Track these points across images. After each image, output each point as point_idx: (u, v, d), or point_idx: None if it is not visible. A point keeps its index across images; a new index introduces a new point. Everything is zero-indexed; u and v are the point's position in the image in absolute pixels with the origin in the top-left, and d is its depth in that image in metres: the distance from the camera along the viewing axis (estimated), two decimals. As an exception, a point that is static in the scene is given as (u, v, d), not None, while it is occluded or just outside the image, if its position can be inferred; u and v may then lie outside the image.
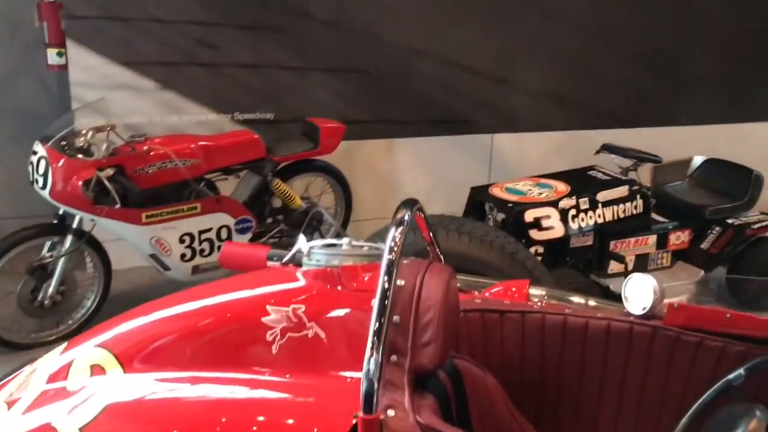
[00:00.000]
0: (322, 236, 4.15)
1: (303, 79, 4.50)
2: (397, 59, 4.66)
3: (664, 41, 5.35)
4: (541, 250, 3.71)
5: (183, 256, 3.53)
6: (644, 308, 1.85)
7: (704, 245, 4.13)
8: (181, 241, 3.50)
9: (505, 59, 4.94)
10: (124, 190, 3.36)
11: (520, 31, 4.91)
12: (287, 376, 1.56)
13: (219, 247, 3.60)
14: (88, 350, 1.69)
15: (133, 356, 1.63)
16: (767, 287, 4.07)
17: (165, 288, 3.94)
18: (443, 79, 4.81)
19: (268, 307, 1.60)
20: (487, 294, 2.12)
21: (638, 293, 1.88)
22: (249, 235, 3.73)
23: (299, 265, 1.72)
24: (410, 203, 1.64)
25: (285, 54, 4.44)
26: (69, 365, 1.64)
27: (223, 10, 4.27)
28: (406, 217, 1.57)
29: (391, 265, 1.44)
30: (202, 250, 3.57)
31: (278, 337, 1.58)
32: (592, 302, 2.18)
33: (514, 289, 2.13)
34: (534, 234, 3.67)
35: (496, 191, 3.87)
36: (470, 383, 1.77)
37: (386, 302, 1.41)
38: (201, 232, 3.54)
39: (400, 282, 1.48)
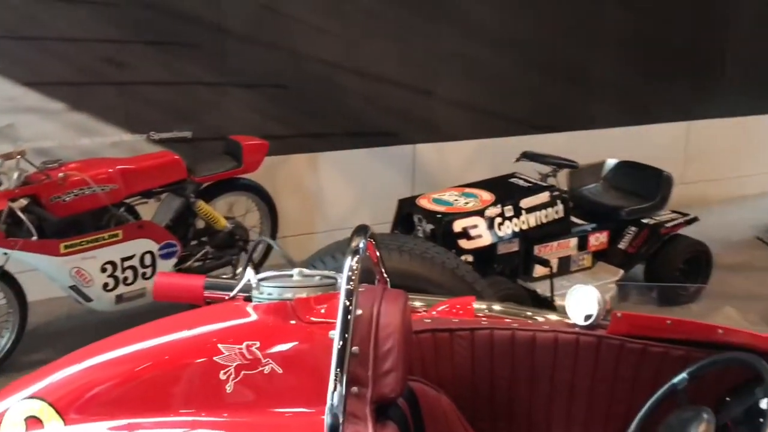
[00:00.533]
0: (250, 257, 4.06)
1: (221, 95, 4.39)
2: (316, 73, 4.63)
3: (570, 51, 5.57)
4: (470, 258, 3.76)
5: (105, 285, 3.37)
6: (589, 319, 1.90)
7: (622, 245, 4.30)
8: (103, 270, 3.35)
9: (423, 71, 5.00)
10: (39, 220, 3.18)
11: (436, 43, 4.98)
12: (245, 414, 1.51)
13: (143, 275, 3.47)
14: (21, 402, 1.58)
15: (73, 405, 1.54)
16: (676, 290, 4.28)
17: (86, 319, 3.78)
18: (363, 91, 4.82)
19: (220, 345, 1.54)
20: (434, 313, 2.13)
21: (582, 304, 1.93)
22: (174, 260, 3.61)
23: (248, 299, 1.66)
24: (363, 230, 1.62)
25: (200, 70, 4.33)
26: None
27: (132, 27, 4.12)
28: (361, 245, 1.55)
29: (350, 295, 1.42)
30: (125, 279, 3.42)
31: (232, 375, 1.53)
32: (538, 314, 2.23)
33: (458, 306, 2.15)
34: (463, 243, 3.72)
35: (423, 202, 3.90)
36: (426, 405, 1.77)
37: (347, 333, 1.38)
38: (124, 260, 3.40)
39: (358, 312, 1.46)
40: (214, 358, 1.53)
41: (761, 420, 1.65)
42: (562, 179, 4.39)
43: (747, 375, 1.77)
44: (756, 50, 6.43)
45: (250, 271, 1.69)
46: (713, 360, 1.72)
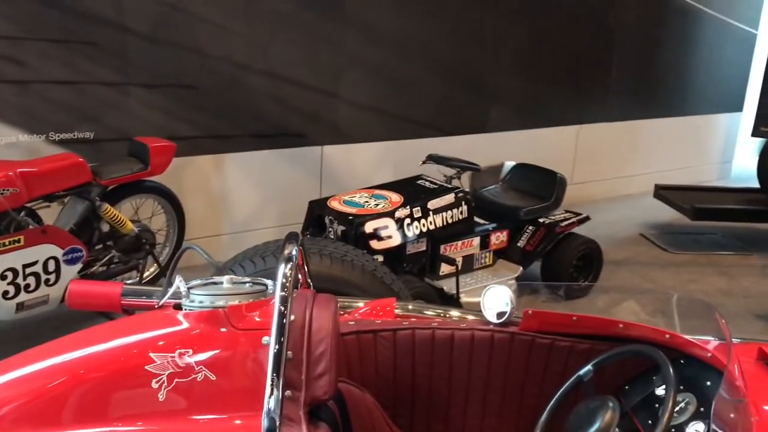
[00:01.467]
0: (156, 260, 4.00)
1: (124, 95, 4.27)
2: (223, 73, 4.58)
3: (470, 58, 5.79)
4: (380, 259, 3.85)
5: (5, 293, 3.22)
6: (502, 316, 2.03)
7: (521, 243, 4.53)
8: (3, 277, 3.19)
9: (329, 73, 5.05)
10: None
11: (342, 47, 5.05)
12: (179, 422, 1.52)
13: (47, 281, 3.33)
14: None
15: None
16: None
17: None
18: (270, 93, 4.81)
19: (152, 354, 1.54)
20: (356, 315, 2.20)
21: (495, 303, 2.06)
22: (79, 266, 3.49)
23: (177, 306, 1.67)
24: (295, 237, 1.66)
25: (102, 69, 4.19)
26: None
27: (29, 23, 3.93)
28: (294, 252, 1.59)
29: (284, 301, 1.47)
30: (27, 286, 3.28)
31: (165, 383, 1.53)
32: (455, 312, 2.34)
33: (378, 307, 2.23)
34: (374, 244, 3.80)
35: (334, 204, 3.96)
36: (352, 405, 1.84)
37: (283, 339, 1.43)
38: (26, 267, 3.25)
39: (291, 317, 1.51)
40: (146, 367, 1.53)
41: (657, 405, 1.83)
42: (465, 181, 4.57)
43: (644, 365, 1.95)
44: (638, 59, 6.91)
45: (179, 278, 1.69)
46: (616, 352, 1.88)
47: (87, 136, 4.14)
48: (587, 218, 4.74)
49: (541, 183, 4.69)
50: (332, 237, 3.88)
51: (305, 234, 4.06)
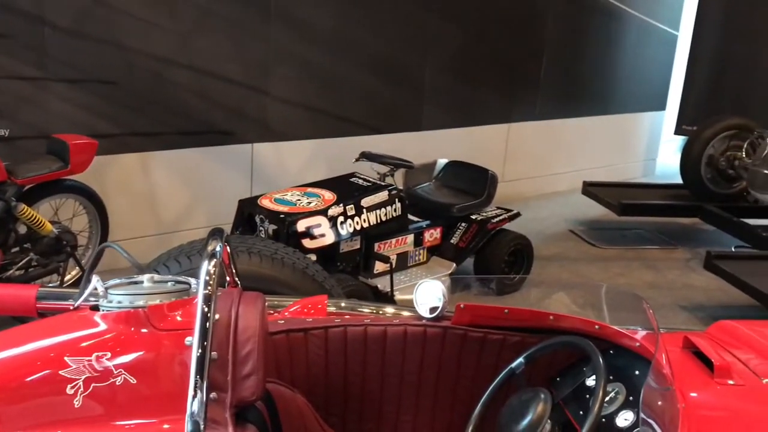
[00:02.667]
0: (78, 262, 3.83)
1: (42, 91, 4.07)
2: (147, 69, 4.43)
3: (402, 57, 5.78)
4: (313, 257, 3.80)
5: None
6: (434, 311, 2.01)
7: (454, 240, 4.55)
8: None
9: (258, 70, 4.95)
10: None
11: (270, 43, 4.96)
12: (97, 428, 1.44)
13: (-44, 287, 3.13)
14: None
15: None
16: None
17: None
18: (197, 89, 4.67)
19: (67, 358, 1.46)
20: (286, 314, 2.14)
21: (428, 298, 2.04)
22: (-7, 269, 3.31)
23: (94, 308, 1.58)
24: (219, 233, 1.60)
25: (18, 63, 3.98)
26: None
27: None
28: (218, 249, 1.53)
29: (208, 300, 1.41)
30: (-66, 292, 3.07)
31: (81, 389, 1.45)
32: (388, 308, 2.31)
33: (310, 305, 2.18)
34: (307, 243, 3.74)
35: (265, 203, 3.88)
36: (282, 406, 1.79)
37: (206, 339, 1.37)
38: (-67, 271, 3.06)
39: (216, 316, 1.45)
40: (60, 372, 1.44)
41: (588, 396, 1.84)
42: (398, 178, 4.56)
43: (575, 356, 1.96)
44: (566, 60, 7.06)
45: (95, 278, 1.60)
46: (546, 344, 1.88)
47: (2, 134, 3.92)
48: (518, 214, 4.80)
49: (473, 180, 4.72)
50: (263, 236, 3.80)
51: (236, 233, 3.97)
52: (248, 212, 3.92)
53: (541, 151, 7.11)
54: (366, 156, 4.42)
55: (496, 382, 1.93)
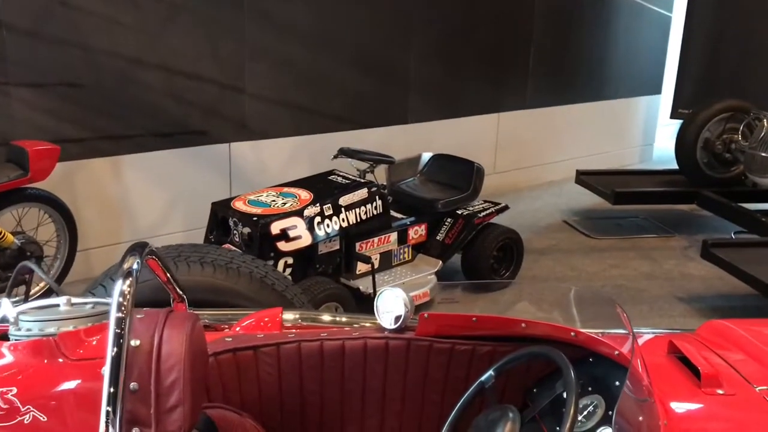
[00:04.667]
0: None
1: (2, 96, 3.90)
2: (113, 69, 4.25)
3: (384, 47, 5.59)
4: (290, 260, 3.65)
5: None
6: (396, 322, 1.85)
7: (439, 236, 4.38)
8: None
9: (232, 66, 4.77)
10: None
11: (243, 38, 4.77)
12: (2, 475, 1.29)
13: None
14: None
15: None
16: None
17: None
18: (168, 89, 4.50)
19: (-33, 396, 1.30)
20: (238, 329, 1.98)
21: (389, 307, 1.88)
22: (-51, 286, 3.15)
23: (4, 337, 1.42)
24: (138, 248, 1.43)
25: (-25, 68, 3.82)
26: None
27: None
28: (135, 266, 1.36)
29: (120, 324, 1.24)
30: None
31: (-16, 429, 1.29)
32: (346, 319, 2.15)
33: (266, 319, 2.02)
34: (282, 245, 3.59)
35: (239, 205, 3.72)
36: (227, 432, 1.62)
37: (120, 369, 1.21)
38: None
39: (135, 342, 1.29)
40: (-40, 412, 1.29)
41: (564, 410, 1.68)
42: (380, 174, 4.39)
43: (552, 366, 1.80)
44: (556, 45, 6.86)
45: (6, 302, 1.44)
46: (516, 356, 1.72)
47: (-40, 142, 3.76)
48: (506, 207, 4.63)
49: (459, 173, 4.55)
50: (237, 240, 3.64)
51: (210, 238, 3.82)
52: (221, 215, 3.76)
53: (533, 141, 6.93)
54: (344, 152, 4.25)
55: (464, 397, 1.77)
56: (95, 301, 1.51)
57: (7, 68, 3.88)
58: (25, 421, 1.30)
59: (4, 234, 3.43)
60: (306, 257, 3.75)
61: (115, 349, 1.21)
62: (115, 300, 1.26)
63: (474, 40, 6.16)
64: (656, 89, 8.09)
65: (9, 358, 1.37)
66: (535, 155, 7.01)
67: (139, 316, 1.35)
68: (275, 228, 3.58)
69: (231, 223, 3.69)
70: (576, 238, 5.66)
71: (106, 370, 1.21)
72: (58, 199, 3.79)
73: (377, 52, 5.55)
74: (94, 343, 1.40)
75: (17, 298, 3.36)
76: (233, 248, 3.46)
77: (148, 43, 4.36)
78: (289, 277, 3.60)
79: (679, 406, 1.62)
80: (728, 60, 6.92)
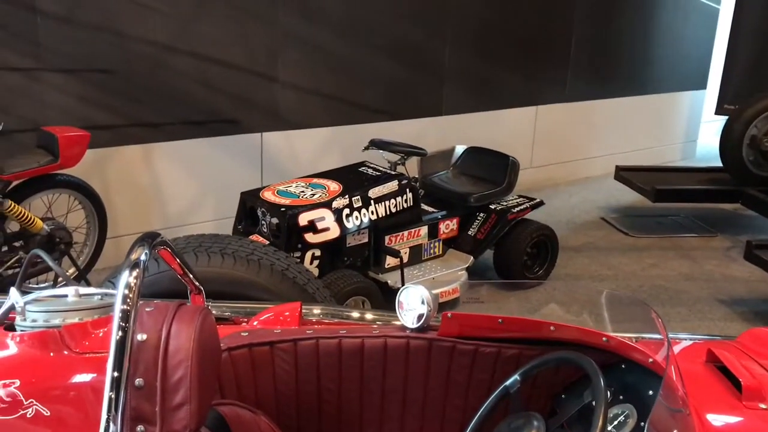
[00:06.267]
0: (73, 261, 3.67)
1: (35, 81, 3.91)
2: (146, 56, 4.24)
3: (419, 36, 5.49)
4: (318, 252, 3.59)
5: None
6: (418, 321, 1.77)
7: (471, 231, 4.28)
8: None
9: (265, 55, 4.73)
10: None
11: (276, 26, 4.72)
12: (3, 469, 1.25)
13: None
14: None
15: None
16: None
17: None
18: (201, 76, 4.47)
19: (-30, 387, 1.27)
20: (256, 323, 1.93)
21: (412, 305, 1.80)
22: (-23, 269, 3.17)
23: (11, 327, 1.38)
24: (147, 239, 1.38)
25: (9, 53, 3.83)
26: None
27: None
28: (143, 257, 1.30)
29: (125, 317, 1.19)
30: None
31: (-14, 422, 1.26)
32: (368, 315, 2.08)
33: (286, 313, 1.97)
34: (310, 237, 3.53)
35: (268, 195, 3.67)
36: (239, 431, 1.57)
37: (123, 363, 1.16)
38: None
39: (142, 336, 1.23)
40: (-37, 404, 1.25)
41: (592, 419, 1.58)
42: (412, 167, 4.30)
43: (581, 372, 1.70)
44: (598, 36, 6.67)
45: (14, 291, 1.40)
46: (543, 360, 1.64)
47: (-3, 128, 3.78)
48: (541, 203, 4.51)
49: (493, 167, 4.44)
50: (265, 230, 3.60)
51: (238, 228, 3.78)
52: (250, 205, 3.72)
53: (572, 135, 6.75)
54: (375, 144, 4.17)
55: (488, 402, 1.69)
56: (104, 292, 1.46)
57: (40, 54, 3.89)
58: (28, 415, 1.28)
59: (34, 220, 3.43)
60: (334, 249, 3.69)
61: (120, 343, 1.17)
62: (120, 292, 1.21)
63: (512, 29, 6.02)
64: (701, 84, 7.83)
65: (13, 349, 1.33)
66: (574, 150, 6.84)
67: (148, 309, 1.30)
68: (303, 219, 3.52)
69: (259, 214, 3.65)
70: (613, 236, 5.50)
71: (109, 365, 1.16)
72: (89, 185, 3.79)
73: (412, 41, 5.45)
74: (101, 335, 1.36)
75: (41, 286, 3.38)
76: (258, 239, 3.42)
77: (181, 30, 4.34)
78: (317, 269, 3.56)
79: (717, 419, 1.52)
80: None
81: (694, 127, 8.03)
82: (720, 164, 5.78)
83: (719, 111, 7.12)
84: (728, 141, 5.57)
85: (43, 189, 3.59)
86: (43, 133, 3.58)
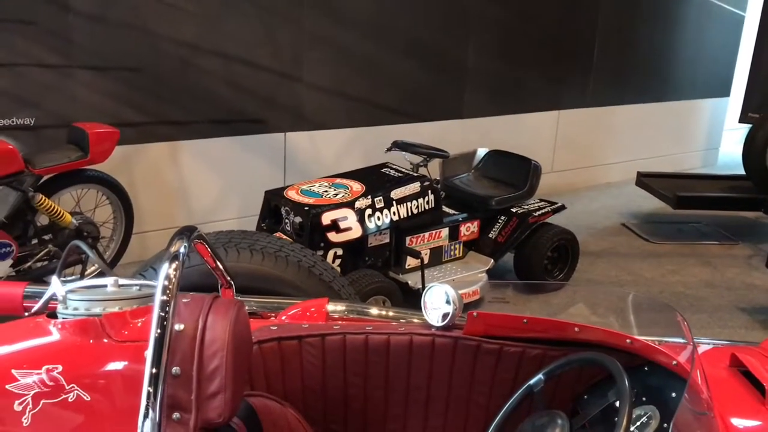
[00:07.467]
0: (100, 255, 3.74)
1: (67, 78, 3.99)
2: (173, 55, 4.30)
3: (442, 40, 5.52)
4: (340, 252, 3.63)
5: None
6: (444, 319, 1.80)
7: (492, 234, 4.30)
8: None
9: (290, 55, 4.78)
10: None
11: (301, 27, 4.77)
12: (45, 451, 1.30)
13: (-28, 279, 3.09)
14: None
15: None
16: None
17: None
18: (227, 76, 4.53)
19: (14, 371, 1.32)
20: (284, 317, 1.97)
21: (437, 304, 1.83)
22: (9, 261, 3.23)
23: (53, 315, 1.43)
24: (186, 232, 1.42)
25: (42, 50, 3.90)
26: None
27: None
28: (182, 250, 1.35)
29: (165, 307, 1.23)
30: (-52, 284, 3.01)
31: (30, 405, 1.31)
32: (393, 313, 2.11)
33: (312, 309, 2.00)
34: (332, 236, 3.57)
35: (291, 194, 3.72)
36: (268, 421, 1.61)
37: (162, 352, 1.20)
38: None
39: (179, 326, 1.28)
40: (7, 387, 1.30)
41: (616, 419, 1.60)
42: (434, 169, 4.33)
43: (604, 373, 1.73)
44: (621, 42, 6.67)
45: (55, 280, 1.45)
46: (568, 360, 1.66)
47: (27, 123, 3.86)
48: (562, 207, 4.51)
49: (515, 171, 4.46)
50: (288, 229, 3.65)
51: (262, 226, 3.83)
52: (274, 204, 3.77)
53: (593, 140, 6.75)
54: (398, 145, 4.20)
55: (511, 401, 1.71)
56: (142, 283, 1.50)
57: (71, 51, 3.97)
58: (69, 399, 1.31)
59: (63, 213, 3.50)
60: (356, 249, 3.72)
61: (159, 332, 1.20)
62: (160, 283, 1.25)
63: (535, 33, 6.03)
64: (725, 92, 7.79)
65: (56, 336, 1.38)
66: (595, 155, 6.83)
67: (184, 301, 1.35)
68: (326, 219, 3.56)
69: (283, 212, 3.70)
70: (634, 242, 5.50)
71: (149, 353, 1.20)
72: (116, 181, 3.86)
73: (435, 44, 5.48)
74: (139, 324, 1.40)
75: (73, 278, 3.45)
76: (284, 237, 3.46)
77: (208, 30, 4.41)
78: (338, 268, 3.60)
79: (741, 423, 1.54)
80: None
81: (716, 135, 7.99)
82: (743, 172, 5.75)
83: (743, 119, 7.08)
84: (751, 149, 5.54)
85: (73, 184, 3.66)
86: (74, 128, 3.65)
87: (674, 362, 1.59)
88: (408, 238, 3.92)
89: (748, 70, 7.18)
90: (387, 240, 3.84)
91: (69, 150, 3.56)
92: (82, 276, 3.61)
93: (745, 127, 7.15)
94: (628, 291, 1.91)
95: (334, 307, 2.00)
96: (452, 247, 4.18)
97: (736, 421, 1.53)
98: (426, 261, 3.97)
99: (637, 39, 6.81)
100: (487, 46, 5.78)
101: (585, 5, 6.34)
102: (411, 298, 3.66)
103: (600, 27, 6.46)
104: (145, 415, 1.17)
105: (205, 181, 4.64)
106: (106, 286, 1.47)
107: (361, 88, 5.18)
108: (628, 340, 1.67)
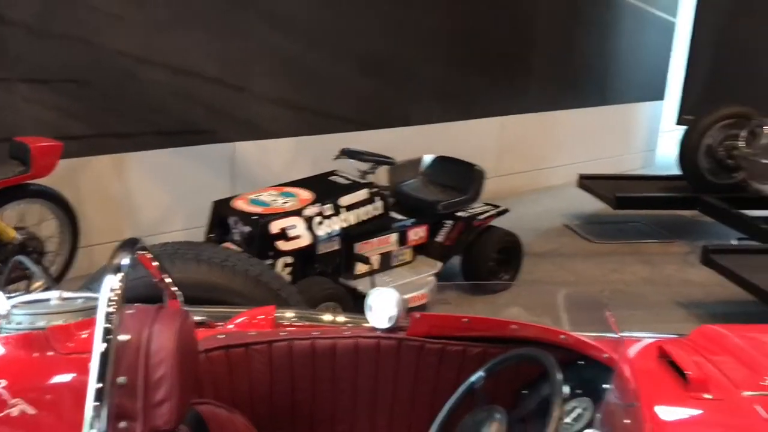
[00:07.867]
0: (45, 270, 3.68)
1: (6, 92, 3.92)
2: (118, 66, 4.27)
3: (389, 48, 5.60)
4: (290, 260, 3.66)
5: None
6: (388, 322, 1.86)
7: (440, 238, 4.38)
8: None
9: (236, 66, 4.79)
10: None
11: (247, 38, 4.79)
12: (-10, 467, 1.30)
13: None
14: None
15: None
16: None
17: None
18: (173, 87, 4.52)
19: (-43, 387, 1.32)
20: (231, 326, 2.00)
21: (382, 307, 1.89)
22: (-51, 279, 3.16)
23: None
24: (129, 244, 1.45)
25: (-20, 64, 3.85)
26: None
27: None
28: (125, 262, 1.38)
29: (109, 318, 1.26)
30: None
31: (-28, 421, 1.31)
32: (340, 318, 2.16)
33: (261, 317, 2.03)
34: (281, 245, 3.60)
35: (239, 204, 3.73)
36: (216, 428, 1.64)
37: (106, 363, 1.23)
38: None
39: (125, 337, 1.30)
40: (-52, 405, 1.30)
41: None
42: (382, 176, 4.40)
43: (540, 368, 1.80)
44: (559, 49, 6.86)
45: (0, 296, 1.46)
46: (506, 357, 1.73)
47: (-31, 139, 3.79)
48: (506, 210, 4.63)
49: (460, 176, 4.55)
50: (237, 239, 3.66)
51: (210, 237, 3.83)
52: (222, 214, 3.78)
53: (536, 144, 6.92)
54: (346, 153, 4.26)
55: (453, 398, 1.77)
56: (86, 296, 1.53)
57: (10, 64, 3.91)
58: (13, 414, 1.32)
59: (5, 229, 3.45)
60: (305, 257, 3.75)
61: (104, 344, 1.23)
62: (104, 295, 1.28)
63: (478, 43, 6.17)
64: (659, 95, 8.08)
65: (0, 350, 1.39)
66: (537, 159, 7.01)
67: (129, 312, 1.37)
68: (275, 227, 3.59)
69: (231, 222, 3.71)
70: (577, 242, 5.66)
71: (93, 364, 1.22)
72: (61, 195, 3.81)
73: (382, 53, 5.56)
74: (85, 336, 1.42)
75: (18, 293, 3.39)
76: (232, 247, 3.48)
77: (154, 41, 4.39)
78: (289, 276, 3.63)
79: (664, 410, 1.63)
80: (736, 66, 6.90)
81: (652, 137, 8.27)
82: (678, 173, 5.98)
83: (680, 121, 7.36)
84: (685, 150, 5.77)
85: (16, 199, 3.61)
86: (16, 143, 3.60)
87: (605, 355, 1.68)
88: (357, 245, 3.97)
89: (683, 75, 7.47)
90: (337, 247, 3.88)
91: (11, 165, 3.51)
92: (28, 291, 3.56)
93: (681, 129, 7.44)
94: (564, 289, 2.00)
95: (282, 315, 2.04)
96: (401, 252, 4.25)
97: (661, 408, 1.62)
98: (375, 266, 4.03)
99: (575, 46, 7.02)
100: (433, 54, 5.88)
101: (525, 15, 6.51)
102: (361, 304, 3.69)
103: (539, 35, 6.64)
104: (91, 426, 1.19)
105: (153, 193, 4.61)
106: (49, 299, 1.49)
107: (310, 97, 5.22)
108: (562, 336, 1.75)
